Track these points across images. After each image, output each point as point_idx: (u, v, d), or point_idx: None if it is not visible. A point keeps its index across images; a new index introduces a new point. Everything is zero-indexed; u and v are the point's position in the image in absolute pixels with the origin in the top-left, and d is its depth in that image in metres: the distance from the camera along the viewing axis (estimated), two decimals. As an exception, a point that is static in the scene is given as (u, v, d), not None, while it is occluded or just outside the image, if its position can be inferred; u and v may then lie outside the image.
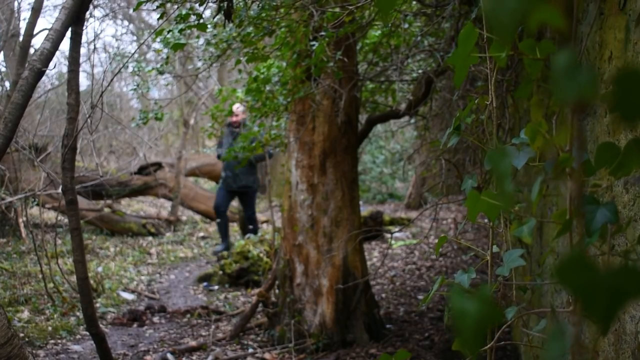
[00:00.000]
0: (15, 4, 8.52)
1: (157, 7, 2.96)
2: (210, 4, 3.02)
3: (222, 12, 2.72)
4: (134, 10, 3.01)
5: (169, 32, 3.09)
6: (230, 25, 3.50)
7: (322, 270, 5.09)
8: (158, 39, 3.47)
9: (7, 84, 7.99)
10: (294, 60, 4.08)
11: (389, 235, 9.62)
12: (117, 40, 15.47)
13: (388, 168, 15.42)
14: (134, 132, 11.49)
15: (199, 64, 4.89)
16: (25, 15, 17.38)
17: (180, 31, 3.06)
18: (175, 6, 3.16)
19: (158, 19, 3.00)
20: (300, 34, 3.80)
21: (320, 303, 5.09)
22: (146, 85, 4.49)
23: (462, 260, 8.22)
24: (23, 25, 9.69)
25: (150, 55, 13.77)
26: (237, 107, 8.04)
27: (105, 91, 3.34)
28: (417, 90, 4.92)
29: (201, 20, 3.07)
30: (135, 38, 14.96)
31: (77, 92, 3.41)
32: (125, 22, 15.42)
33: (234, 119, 8.44)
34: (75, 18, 3.33)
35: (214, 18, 3.22)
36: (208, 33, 4.15)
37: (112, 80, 3.35)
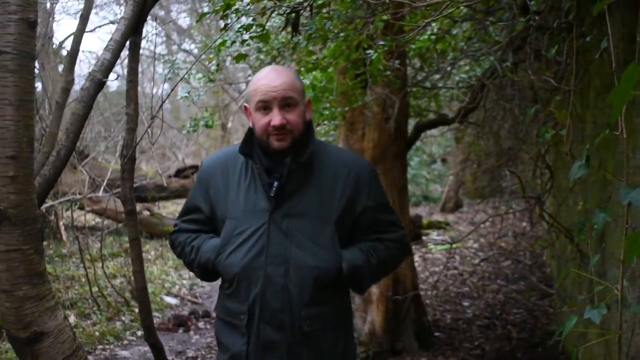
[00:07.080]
0: (48, 4, 8.49)
1: (220, 18, 2.95)
2: (273, 16, 3.01)
3: (290, 24, 2.71)
4: (197, 22, 3.01)
5: (232, 43, 3.08)
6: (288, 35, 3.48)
7: (371, 278, 5.05)
8: (216, 49, 3.47)
9: (39, 84, 7.88)
10: (350, 70, 4.04)
11: (431, 239, 9.56)
12: (172, 53, 15.82)
13: (424, 170, 15.31)
14: (184, 135, 11.58)
15: (249, 71, 4.89)
16: (58, 17, 17.56)
17: (243, 42, 3.05)
18: (235, 17, 3.14)
19: (221, 30, 2.99)
20: (356, 42, 3.76)
21: (369, 311, 5.05)
22: (197, 92, 4.50)
23: (505, 266, 8.12)
24: (56, 28, 9.76)
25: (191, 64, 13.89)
26: None
27: (164, 102, 3.34)
28: (472, 97, 4.85)
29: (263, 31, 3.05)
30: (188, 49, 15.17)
31: (136, 102, 3.40)
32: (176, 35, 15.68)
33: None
34: (134, 29, 3.33)
35: (281, 31, 3.20)
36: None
37: (172, 90, 3.35)
